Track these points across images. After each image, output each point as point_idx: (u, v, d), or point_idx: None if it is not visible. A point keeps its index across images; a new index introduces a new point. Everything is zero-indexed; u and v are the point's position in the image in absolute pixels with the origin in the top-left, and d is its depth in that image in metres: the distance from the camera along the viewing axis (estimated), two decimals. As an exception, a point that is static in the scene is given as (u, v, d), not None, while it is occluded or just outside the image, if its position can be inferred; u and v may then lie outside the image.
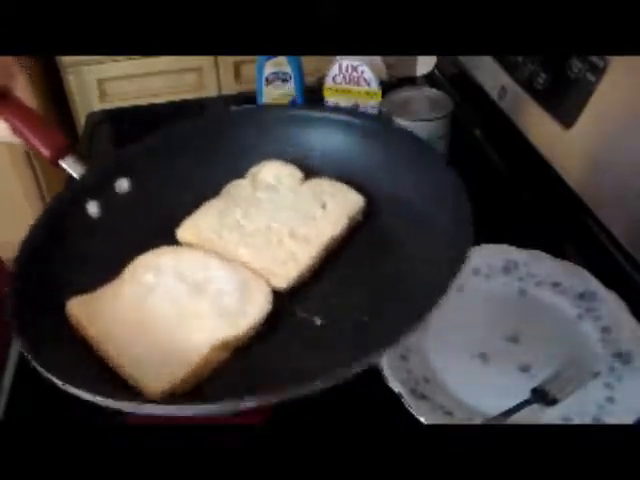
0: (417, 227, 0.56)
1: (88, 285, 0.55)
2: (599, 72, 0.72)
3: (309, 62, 1.02)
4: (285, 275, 0.53)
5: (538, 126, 0.84)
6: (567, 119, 0.77)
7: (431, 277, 0.47)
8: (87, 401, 0.46)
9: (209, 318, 0.51)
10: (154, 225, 0.60)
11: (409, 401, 0.57)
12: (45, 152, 0.60)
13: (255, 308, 0.50)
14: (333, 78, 0.93)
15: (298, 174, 0.62)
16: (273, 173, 0.62)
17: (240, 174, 0.63)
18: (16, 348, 0.69)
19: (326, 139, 0.63)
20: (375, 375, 0.59)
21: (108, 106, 1.25)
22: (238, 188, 0.62)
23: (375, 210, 0.60)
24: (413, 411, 0.56)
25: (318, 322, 0.53)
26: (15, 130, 0.60)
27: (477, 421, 0.56)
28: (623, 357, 0.60)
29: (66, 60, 1.76)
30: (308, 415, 0.59)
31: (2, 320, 0.65)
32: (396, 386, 0.58)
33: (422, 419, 0.56)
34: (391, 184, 0.60)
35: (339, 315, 0.53)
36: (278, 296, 0.53)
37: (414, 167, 0.58)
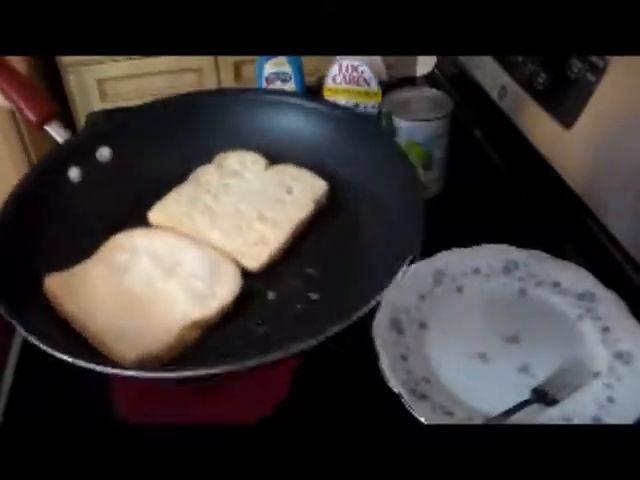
0: (372, 215, 0.59)
1: (65, 257, 0.57)
2: (599, 72, 0.72)
3: (309, 62, 1.02)
4: (256, 256, 0.55)
5: (538, 126, 0.84)
6: (567, 119, 0.77)
7: (380, 266, 0.50)
8: (86, 398, 0.46)
9: (181, 299, 0.53)
10: (129, 198, 0.62)
11: (409, 401, 0.57)
12: (32, 116, 0.62)
13: (224, 290, 0.53)
14: (333, 78, 0.93)
15: (262, 161, 0.64)
16: (238, 160, 0.64)
17: (208, 157, 0.65)
18: (16, 349, 0.69)
19: (289, 124, 0.65)
20: (375, 375, 0.59)
21: (108, 106, 1.25)
22: (206, 174, 0.64)
23: (339, 195, 0.62)
24: (413, 411, 0.56)
25: (276, 299, 0.55)
26: (5, 94, 0.62)
27: (477, 421, 0.56)
28: (623, 357, 0.60)
29: (66, 60, 1.76)
30: (308, 415, 0.59)
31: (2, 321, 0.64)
32: (396, 386, 0.58)
33: (422, 419, 0.56)
34: (352, 171, 0.62)
35: (299, 294, 0.56)
36: (247, 277, 0.55)
37: (372, 156, 0.60)
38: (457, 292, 0.69)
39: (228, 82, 1.86)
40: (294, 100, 0.66)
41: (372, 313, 0.63)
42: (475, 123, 0.99)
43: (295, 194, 0.60)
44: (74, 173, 0.62)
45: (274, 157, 0.65)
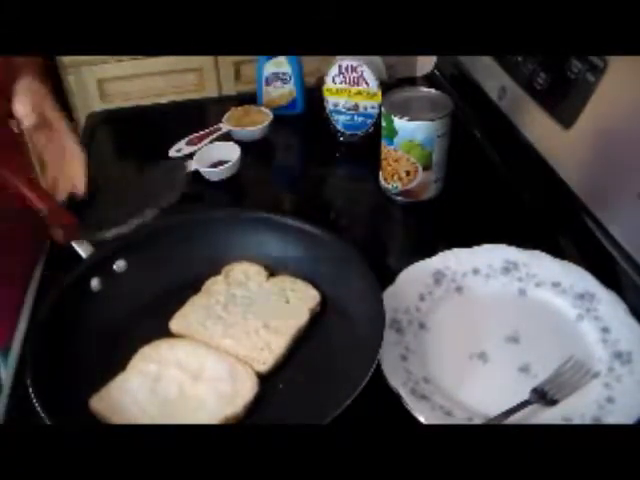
0: (346, 321, 0.66)
1: (96, 370, 0.62)
2: (599, 72, 0.72)
3: (309, 62, 1.02)
4: (264, 361, 0.63)
5: (538, 126, 0.84)
6: (567, 119, 0.77)
7: (355, 362, 0.57)
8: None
9: (210, 400, 0.60)
10: (145, 306, 0.69)
11: (409, 401, 0.57)
12: (58, 235, 0.70)
13: (246, 389, 0.60)
14: (333, 78, 0.93)
15: (263, 272, 0.72)
16: (243, 271, 0.73)
17: (215, 269, 0.73)
18: (16, 350, 0.69)
19: (283, 240, 0.73)
20: (375, 375, 0.59)
21: (108, 106, 1.25)
22: (215, 284, 0.72)
23: (326, 302, 0.69)
24: (413, 411, 0.57)
25: (289, 392, 0.62)
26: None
27: (477, 421, 0.56)
28: (623, 357, 0.60)
29: (66, 60, 1.76)
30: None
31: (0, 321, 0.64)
32: (396, 386, 0.58)
33: (422, 419, 0.56)
34: (332, 283, 0.69)
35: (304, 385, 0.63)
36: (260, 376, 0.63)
37: (344, 271, 0.68)
38: (457, 292, 0.69)
39: (228, 82, 1.86)
40: (282, 220, 0.74)
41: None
42: (475, 123, 0.99)
43: (292, 304, 0.68)
44: (94, 283, 0.68)
45: (273, 268, 0.73)
